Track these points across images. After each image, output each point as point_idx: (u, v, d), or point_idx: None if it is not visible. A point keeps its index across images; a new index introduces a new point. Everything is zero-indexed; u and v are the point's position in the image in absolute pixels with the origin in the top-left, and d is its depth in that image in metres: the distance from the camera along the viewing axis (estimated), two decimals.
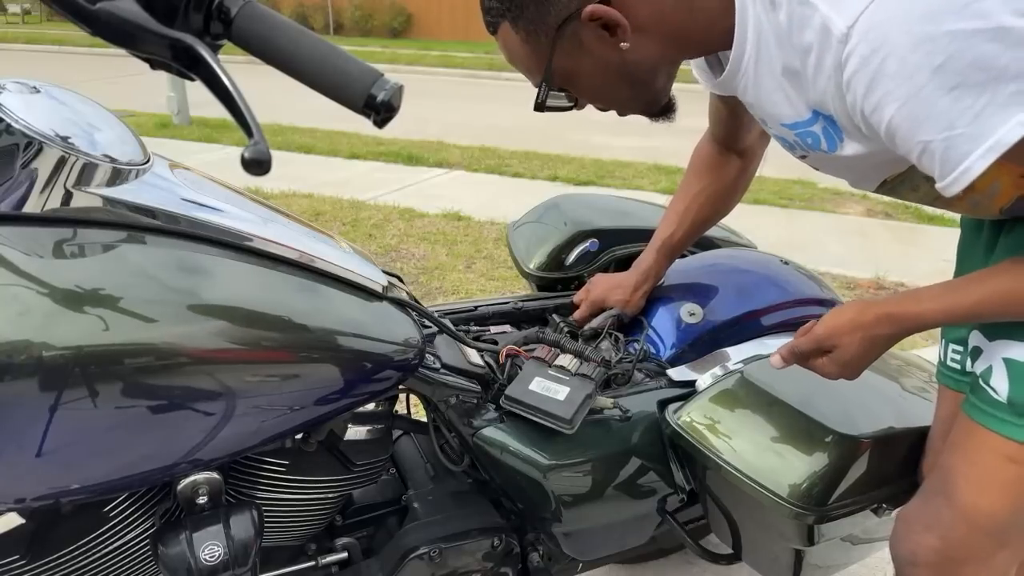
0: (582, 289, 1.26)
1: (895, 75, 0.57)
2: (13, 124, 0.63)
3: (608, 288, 1.20)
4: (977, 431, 0.80)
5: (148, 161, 0.74)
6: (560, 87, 0.82)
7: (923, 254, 3.73)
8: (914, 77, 0.56)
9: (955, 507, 0.82)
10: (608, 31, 0.74)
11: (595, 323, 1.18)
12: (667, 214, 1.21)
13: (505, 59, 0.85)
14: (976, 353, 0.84)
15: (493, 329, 1.25)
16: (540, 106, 0.84)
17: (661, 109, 0.87)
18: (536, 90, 0.82)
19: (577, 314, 1.22)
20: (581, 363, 1.02)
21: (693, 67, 0.92)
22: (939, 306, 0.76)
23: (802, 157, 0.85)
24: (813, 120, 0.74)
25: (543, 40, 0.77)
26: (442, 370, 0.97)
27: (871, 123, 0.63)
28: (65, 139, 0.64)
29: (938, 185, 0.62)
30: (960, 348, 0.92)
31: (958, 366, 0.93)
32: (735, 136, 1.11)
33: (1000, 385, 0.78)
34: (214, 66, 0.58)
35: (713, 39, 0.75)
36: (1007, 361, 0.78)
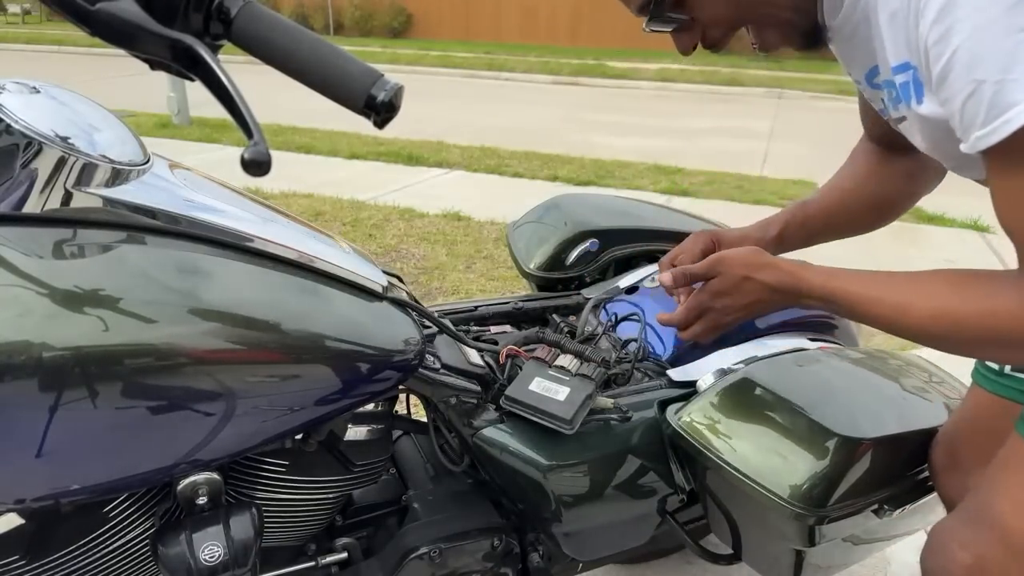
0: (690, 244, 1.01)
1: (967, 3, 0.53)
2: (13, 124, 0.63)
3: (728, 232, 1.04)
4: None
5: (148, 161, 0.74)
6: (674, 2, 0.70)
7: (923, 254, 3.73)
8: (987, 9, 0.52)
9: (995, 528, 0.78)
10: None
11: (592, 323, 1.18)
12: (815, 199, 1.03)
13: None
14: None
15: (493, 329, 1.25)
16: (656, 19, 0.70)
17: (812, 32, 0.73)
18: (642, 14, 0.70)
19: (683, 247, 1.01)
20: (581, 363, 1.02)
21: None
22: (847, 287, 0.72)
23: (898, 121, 0.77)
24: (903, 69, 0.67)
25: None
26: (442, 370, 0.97)
27: (931, 57, 0.58)
28: (65, 139, 0.64)
29: (975, 135, 0.57)
30: None
31: (997, 367, 0.90)
32: (896, 138, 0.90)
33: None
34: (214, 66, 0.58)
35: None
36: None
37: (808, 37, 0.74)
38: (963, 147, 0.59)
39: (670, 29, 0.73)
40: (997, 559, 0.78)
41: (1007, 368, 0.88)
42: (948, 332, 0.68)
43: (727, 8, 0.71)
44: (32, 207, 0.63)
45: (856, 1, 0.69)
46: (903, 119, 0.77)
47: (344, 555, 0.99)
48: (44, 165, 0.63)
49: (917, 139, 0.78)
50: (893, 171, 0.95)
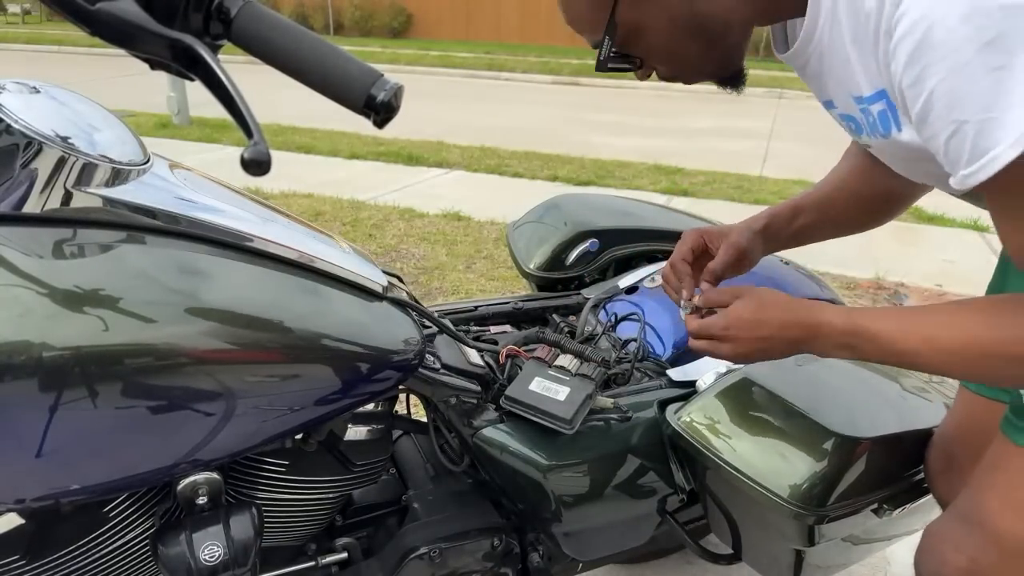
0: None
1: (940, 45, 0.53)
2: (13, 124, 0.63)
3: (717, 227, 1.00)
4: (1016, 453, 0.76)
5: (148, 161, 0.74)
6: (623, 44, 0.74)
7: (923, 254, 3.72)
8: (960, 50, 0.52)
9: (987, 530, 0.78)
10: None
11: (592, 323, 1.18)
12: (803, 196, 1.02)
13: (564, 18, 0.77)
14: None
15: (493, 329, 1.25)
16: (602, 64, 0.74)
17: (732, 75, 0.77)
18: (597, 51, 0.74)
19: (676, 250, 0.96)
20: (581, 363, 1.02)
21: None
22: (871, 324, 0.70)
23: (868, 146, 0.78)
24: (876, 99, 0.67)
25: None
26: (442, 370, 0.97)
27: (908, 98, 0.59)
28: (65, 139, 0.64)
29: (962, 173, 0.57)
30: None
31: None
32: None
33: None
34: (214, 66, 0.58)
35: (786, 2, 0.70)
36: None
37: (732, 81, 0.78)
38: (952, 182, 0.59)
39: (632, 68, 0.77)
40: (990, 561, 0.78)
41: None
42: (977, 362, 0.66)
43: (660, 57, 0.76)
44: (32, 207, 0.63)
45: (808, 41, 0.70)
46: (869, 145, 0.78)
47: (344, 555, 0.99)
48: (44, 165, 0.63)
49: (887, 160, 0.79)
50: (888, 170, 0.91)
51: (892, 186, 0.93)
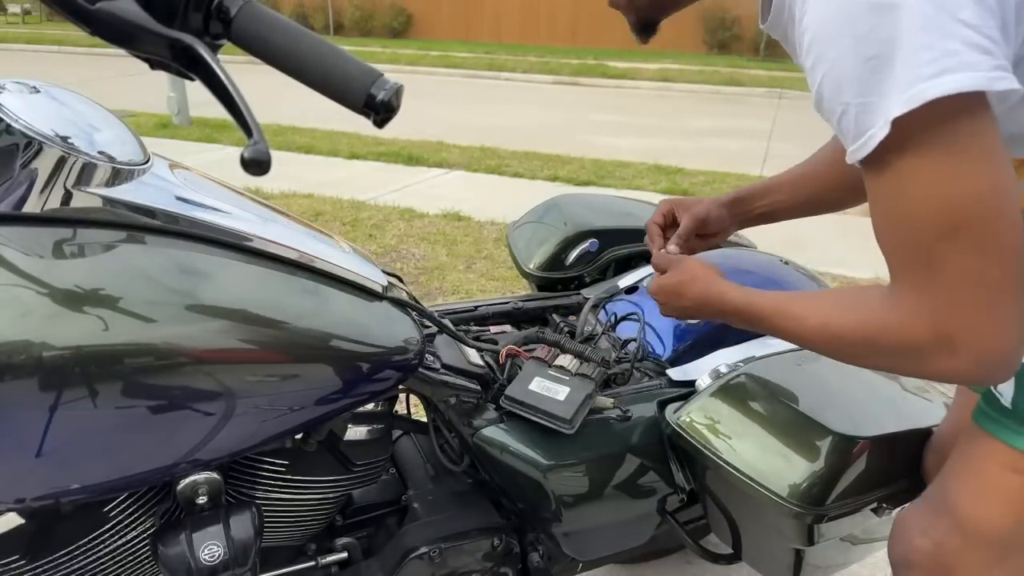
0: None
1: (826, 38, 0.60)
2: (13, 124, 0.63)
3: (693, 199, 1.07)
4: (982, 439, 0.78)
5: (148, 161, 0.74)
6: None
7: None
8: (840, 41, 0.58)
9: (953, 515, 0.80)
10: None
11: (591, 323, 1.17)
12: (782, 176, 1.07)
13: None
14: None
15: (493, 329, 1.25)
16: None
17: (648, 22, 0.86)
18: None
19: (653, 215, 1.06)
20: (581, 363, 1.02)
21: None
22: (760, 301, 0.80)
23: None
24: None
25: None
26: (442, 370, 0.97)
27: (809, 83, 0.64)
28: (65, 139, 0.65)
29: (850, 149, 0.62)
30: None
31: None
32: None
33: (1006, 390, 0.75)
34: (214, 66, 0.58)
35: None
36: None
37: (645, 28, 0.86)
38: (846, 159, 0.64)
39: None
40: (954, 545, 0.80)
41: None
42: (831, 342, 0.73)
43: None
44: (32, 207, 0.63)
45: (780, 13, 0.73)
46: None
47: (344, 555, 0.99)
48: (44, 165, 0.63)
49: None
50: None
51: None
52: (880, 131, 0.58)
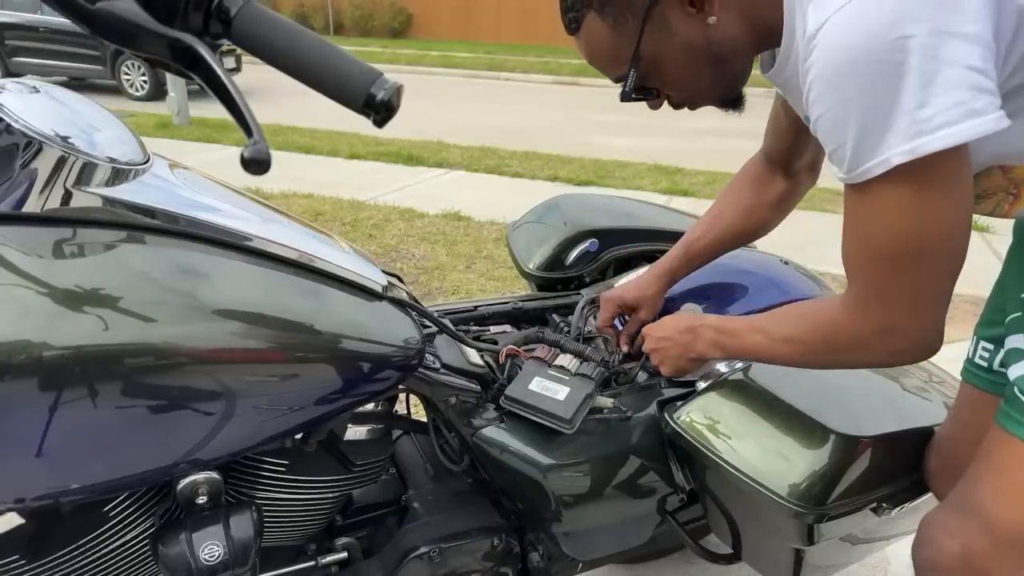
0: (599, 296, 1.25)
1: (829, 80, 0.64)
2: (13, 124, 0.63)
3: (624, 287, 1.20)
4: (1009, 441, 0.78)
5: (148, 161, 0.74)
6: (643, 76, 0.83)
7: None
8: (843, 88, 0.63)
9: (981, 517, 0.80)
10: (694, 7, 0.77)
11: (584, 319, 1.18)
12: (699, 219, 1.20)
13: (586, 58, 0.86)
14: (1016, 357, 0.82)
15: (493, 329, 1.25)
16: (627, 95, 0.84)
17: (735, 98, 0.89)
18: (620, 84, 0.84)
19: (600, 318, 1.20)
20: (581, 363, 1.02)
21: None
22: (729, 323, 0.92)
23: None
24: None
25: (631, 24, 0.78)
26: (442, 370, 0.97)
27: (809, 118, 0.70)
28: (65, 139, 0.65)
29: (840, 176, 0.70)
30: (990, 346, 0.92)
31: (986, 364, 0.92)
32: (786, 155, 1.10)
33: None
34: (214, 66, 0.58)
35: (776, 27, 0.76)
36: None
37: (735, 103, 0.90)
38: (835, 175, 0.71)
39: (651, 98, 0.88)
40: (983, 547, 0.81)
41: (995, 364, 0.89)
42: (796, 347, 0.83)
43: (677, 83, 0.86)
44: (32, 207, 0.63)
45: (783, 67, 0.79)
46: None
47: (344, 555, 0.99)
48: (44, 165, 0.63)
49: None
50: (765, 203, 1.12)
51: (765, 217, 1.13)
52: (878, 168, 0.64)
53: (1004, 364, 0.85)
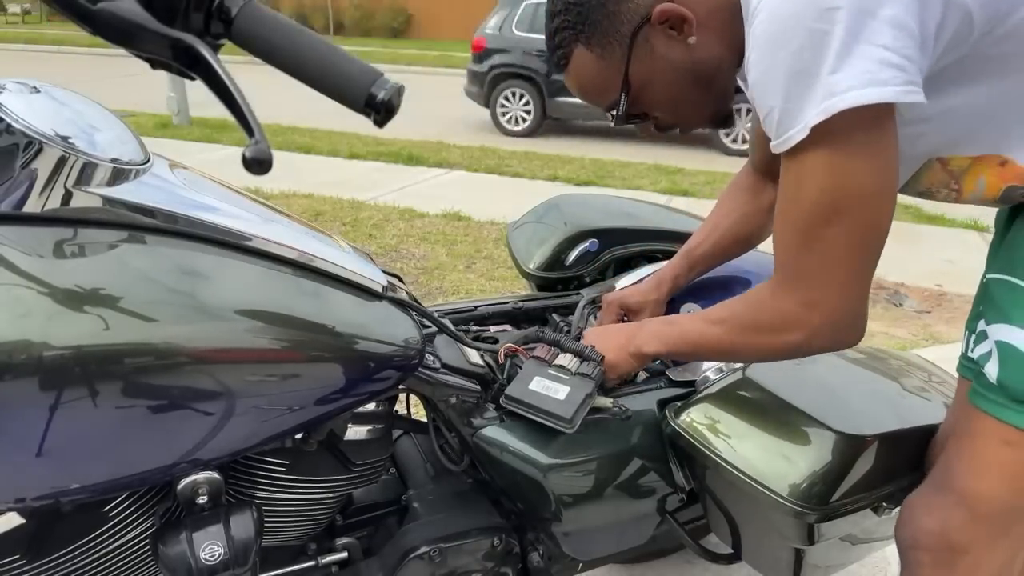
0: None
1: (763, 46, 0.69)
2: (13, 124, 0.63)
3: (627, 291, 1.21)
4: (976, 416, 0.82)
5: (148, 161, 0.74)
6: (632, 101, 0.86)
7: (922, 254, 3.72)
8: (775, 52, 0.68)
9: (954, 491, 0.84)
10: (675, 30, 0.80)
11: (585, 319, 1.18)
12: (699, 227, 1.22)
13: (576, 92, 0.89)
14: (981, 338, 0.85)
15: (493, 329, 1.25)
16: (620, 119, 0.88)
17: (724, 116, 0.91)
18: (612, 112, 0.87)
19: (601, 321, 1.20)
20: (581, 362, 1.02)
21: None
22: (675, 321, 0.97)
23: None
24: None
25: (618, 52, 0.82)
26: (442, 370, 0.97)
27: (747, 87, 0.74)
28: (65, 139, 0.65)
29: (774, 143, 0.72)
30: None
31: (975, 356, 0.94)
32: (772, 165, 1.10)
33: (992, 368, 0.79)
34: (214, 66, 0.58)
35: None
36: (999, 344, 0.79)
37: (724, 122, 0.92)
38: (771, 147, 0.73)
39: (636, 121, 0.91)
40: (960, 521, 0.84)
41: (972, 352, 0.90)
42: (724, 329, 0.87)
43: (666, 105, 0.88)
44: (32, 207, 0.63)
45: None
46: None
47: (344, 555, 0.99)
48: (44, 165, 0.63)
49: None
50: (760, 208, 1.14)
51: (760, 223, 1.15)
52: (799, 134, 0.68)
53: (972, 348, 0.88)
